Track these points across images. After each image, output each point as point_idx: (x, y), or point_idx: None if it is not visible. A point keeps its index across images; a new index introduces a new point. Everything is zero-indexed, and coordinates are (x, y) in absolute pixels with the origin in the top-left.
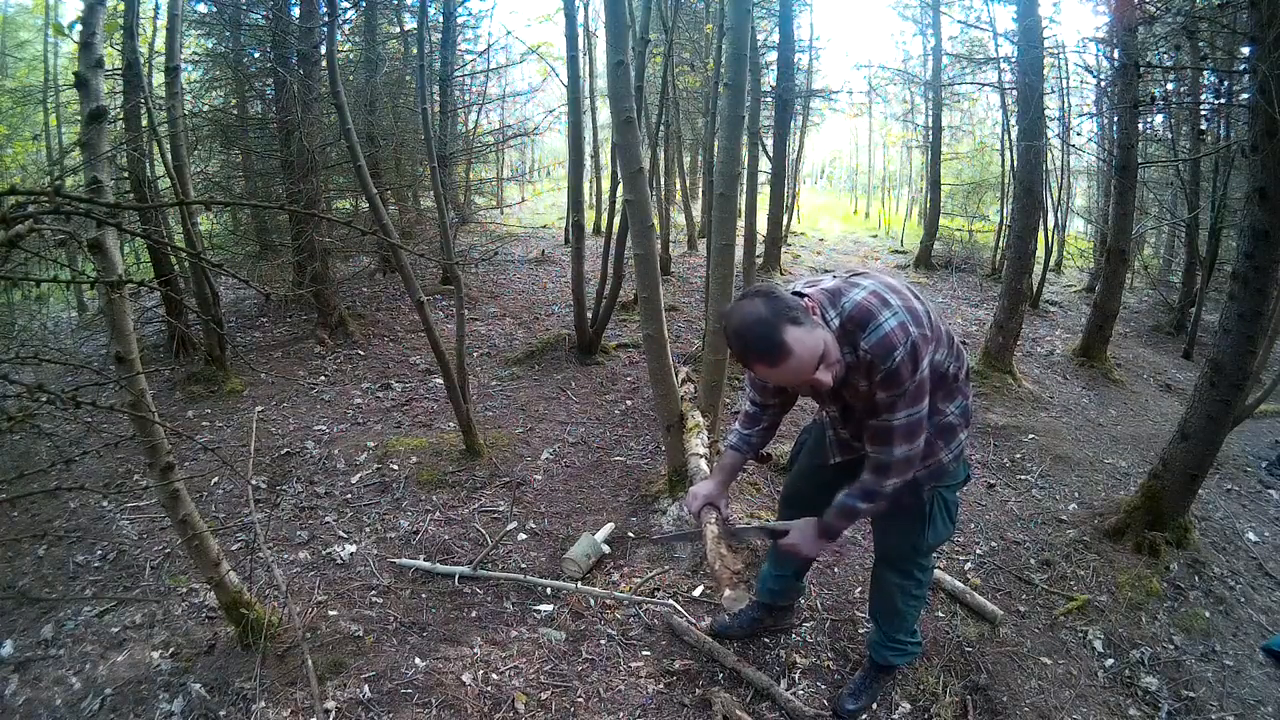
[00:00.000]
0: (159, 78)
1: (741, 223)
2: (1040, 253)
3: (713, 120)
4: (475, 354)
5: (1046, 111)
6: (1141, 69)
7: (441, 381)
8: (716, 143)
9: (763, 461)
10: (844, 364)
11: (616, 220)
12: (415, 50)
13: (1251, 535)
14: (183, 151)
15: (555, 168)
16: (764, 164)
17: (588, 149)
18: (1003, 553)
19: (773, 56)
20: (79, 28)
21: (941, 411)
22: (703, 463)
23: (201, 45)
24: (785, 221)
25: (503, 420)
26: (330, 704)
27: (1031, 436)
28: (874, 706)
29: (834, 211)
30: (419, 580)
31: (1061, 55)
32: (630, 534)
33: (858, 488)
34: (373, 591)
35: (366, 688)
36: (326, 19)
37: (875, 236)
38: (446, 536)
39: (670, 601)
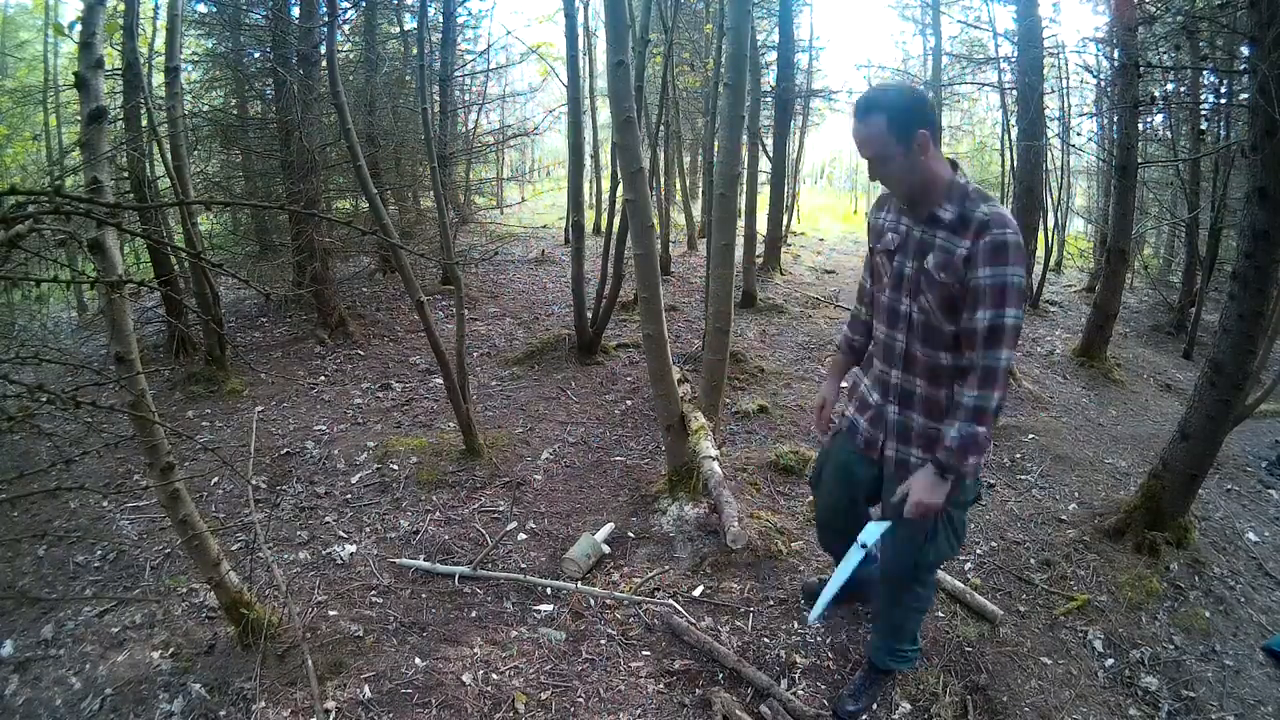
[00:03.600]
0: (159, 78)
1: (741, 223)
2: (1040, 253)
3: (713, 120)
4: (475, 354)
5: (1046, 111)
6: (1141, 69)
7: (441, 381)
8: (716, 143)
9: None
10: (953, 215)
11: (616, 220)
12: (415, 50)
13: (1251, 535)
14: (183, 151)
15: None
16: (764, 164)
17: (588, 149)
18: (1003, 553)
19: (773, 56)
20: (79, 28)
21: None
22: (715, 465)
23: (201, 45)
24: (785, 221)
25: (503, 420)
26: (330, 704)
27: (1031, 436)
28: (874, 707)
29: (834, 211)
30: (419, 580)
31: (1061, 55)
32: (630, 534)
33: (963, 411)
34: (373, 591)
35: (366, 688)
36: (326, 19)
37: None
38: (446, 536)
39: (670, 601)
